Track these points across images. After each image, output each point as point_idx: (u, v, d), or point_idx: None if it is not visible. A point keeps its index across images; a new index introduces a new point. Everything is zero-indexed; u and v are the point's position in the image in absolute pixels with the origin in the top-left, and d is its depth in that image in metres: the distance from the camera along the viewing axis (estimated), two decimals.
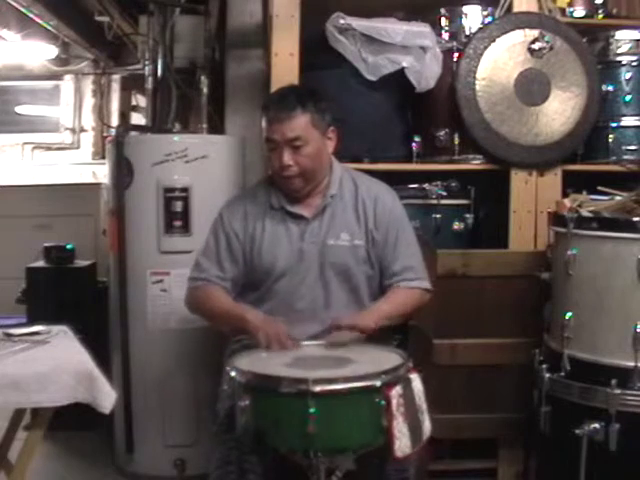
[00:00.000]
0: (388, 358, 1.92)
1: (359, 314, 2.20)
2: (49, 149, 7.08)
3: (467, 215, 3.04)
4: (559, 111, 2.96)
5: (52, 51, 5.83)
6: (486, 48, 2.94)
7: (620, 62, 3.00)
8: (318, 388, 1.70)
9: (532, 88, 2.94)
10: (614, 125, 3.00)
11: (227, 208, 2.41)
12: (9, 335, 2.35)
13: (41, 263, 3.91)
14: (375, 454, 1.87)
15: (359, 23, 2.93)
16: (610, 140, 3.00)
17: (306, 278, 2.28)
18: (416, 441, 1.77)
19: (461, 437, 2.86)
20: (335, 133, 2.32)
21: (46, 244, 3.93)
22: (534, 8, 3.03)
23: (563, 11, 3.07)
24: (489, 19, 3.07)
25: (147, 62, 3.94)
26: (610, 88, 2.99)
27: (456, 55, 2.99)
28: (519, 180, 3.02)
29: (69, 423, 2.99)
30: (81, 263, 3.96)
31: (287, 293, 2.28)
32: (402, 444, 1.73)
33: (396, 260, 2.33)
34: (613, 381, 2.26)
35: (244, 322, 2.16)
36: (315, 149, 2.25)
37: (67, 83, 7.12)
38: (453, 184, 3.04)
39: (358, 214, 2.33)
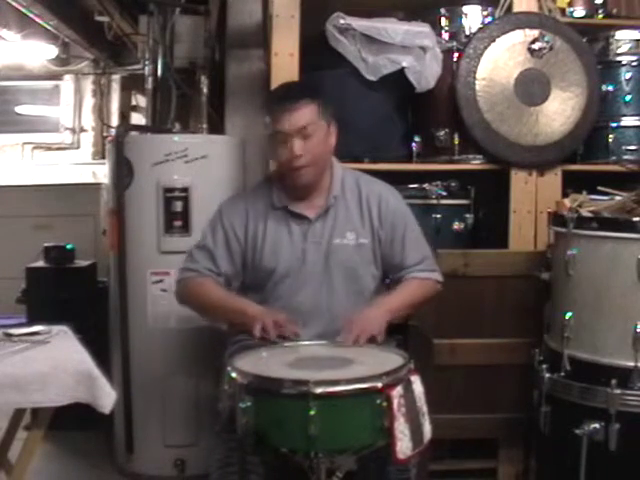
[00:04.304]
0: (389, 359, 1.92)
1: (369, 317, 2.16)
2: (49, 149, 7.08)
3: (467, 215, 3.04)
4: (559, 111, 2.96)
5: (52, 51, 5.83)
6: (486, 48, 2.94)
7: (620, 62, 3.00)
8: (319, 390, 1.70)
9: (532, 88, 2.94)
10: (614, 125, 3.00)
11: (228, 206, 2.40)
12: (9, 335, 2.34)
13: (41, 263, 3.90)
14: (377, 454, 1.87)
15: (359, 23, 2.93)
16: (610, 140, 3.00)
17: (309, 279, 2.28)
18: (417, 443, 1.77)
19: (461, 437, 2.86)
20: (335, 128, 2.32)
21: (46, 244, 3.93)
22: (534, 8, 3.03)
23: (563, 11, 3.07)
24: (489, 19, 3.07)
25: (147, 62, 3.94)
26: (610, 88, 2.99)
27: (456, 55, 2.99)
28: (519, 180, 3.02)
29: (69, 423, 2.99)
30: (81, 263, 3.96)
31: (290, 294, 2.27)
32: (404, 445, 1.72)
33: (407, 255, 2.34)
34: (613, 381, 2.26)
35: (244, 315, 2.15)
36: (322, 139, 2.25)
37: (67, 83, 7.12)
38: (453, 184, 3.04)
39: (362, 213, 2.33)
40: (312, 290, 2.28)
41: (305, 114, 2.21)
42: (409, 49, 2.94)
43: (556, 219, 2.57)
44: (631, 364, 2.27)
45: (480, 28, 3.01)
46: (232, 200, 2.46)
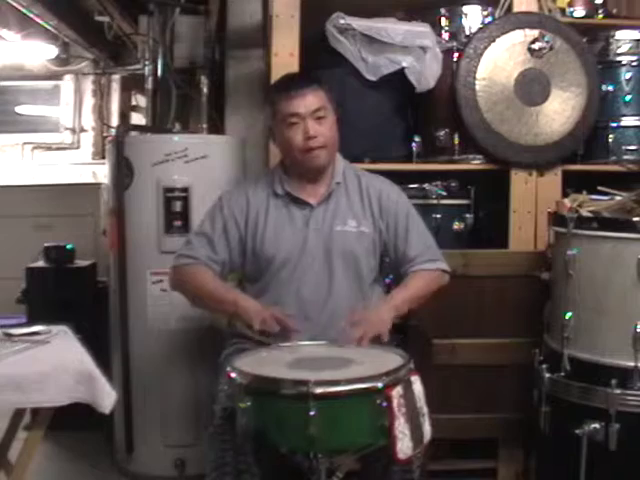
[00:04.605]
0: (389, 359, 1.92)
1: (376, 317, 2.16)
2: (49, 149, 7.08)
3: (467, 215, 3.03)
4: (559, 111, 2.96)
5: (52, 51, 5.83)
6: (486, 48, 2.94)
7: (620, 62, 3.00)
8: (319, 390, 1.70)
9: (532, 88, 2.94)
10: (614, 125, 3.00)
11: (228, 195, 2.42)
12: (9, 335, 2.34)
13: (41, 263, 3.90)
14: (381, 454, 1.87)
15: (359, 23, 2.93)
16: (610, 140, 3.00)
17: (310, 265, 2.28)
18: (417, 443, 1.76)
19: (461, 437, 2.86)
20: (338, 115, 2.37)
21: (46, 244, 3.93)
22: (534, 8, 3.03)
23: (563, 11, 3.07)
24: (489, 19, 3.07)
25: (147, 62, 3.94)
26: (610, 88, 2.99)
27: (456, 55, 2.99)
28: (519, 180, 3.02)
29: (69, 423, 2.98)
30: (81, 263, 3.96)
31: (291, 281, 2.28)
32: (404, 445, 1.72)
33: (410, 246, 2.34)
34: (613, 381, 2.26)
35: (236, 308, 2.16)
36: (333, 122, 2.31)
37: (67, 83, 7.11)
38: (453, 184, 3.04)
39: (363, 203, 2.36)
40: (313, 277, 2.28)
41: (317, 97, 2.27)
42: (409, 49, 2.94)
43: (556, 219, 2.58)
44: (631, 364, 2.27)
45: (480, 28, 3.01)
46: (233, 189, 2.49)
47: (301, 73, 2.52)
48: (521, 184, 3.02)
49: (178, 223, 3.07)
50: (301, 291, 2.28)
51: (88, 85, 7.08)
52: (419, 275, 2.32)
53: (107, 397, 2.13)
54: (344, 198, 2.35)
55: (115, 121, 6.82)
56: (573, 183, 2.92)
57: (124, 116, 6.82)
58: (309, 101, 2.25)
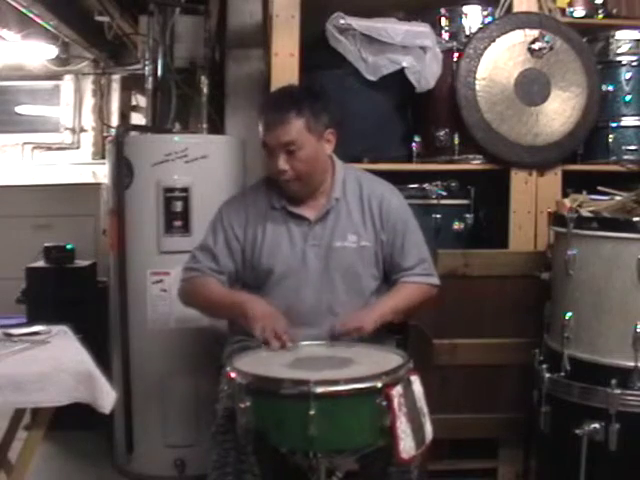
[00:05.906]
0: (389, 359, 1.92)
1: (361, 314, 2.19)
2: (49, 149, 7.07)
3: (467, 215, 3.04)
4: (559, 111, 2.96)
5: (52, 51, 5.83)
6: (486, 48, 2.94)
7: (620, 62, 3.01)
8: (319, 390, 1.70)
9: (532, 88, 2.94)
10: (614, 125, 3.00)
11: (227, 207, 2.40)
12: (9, 335, 2.35)
13: (41, 263, 3.91)
14: (380, 455, 1.86)
15: (359, 23, 2.93)
16: (610, 140, 3.00)
17: (309, 281, 2.27)
18: (419, 443, 1.77)
19: (461, 437, 2.86)
20: (334, 134, 2.30)
21: (46, 244, 3.94)
22: (534, 8, 3.03)
23: (563, 11, 3.07)
24: (489, 19, 3.07)
25: (147, 62, 3.94)
26: (610, 88, 3.00)
27: (456, 55, 2.99)
28: (519, 180, 3.02)
29: (69, 423, 2.99)
30: (81, 263, 3.96)
31: (290, 294, 2.27)
32: (406, 445, 1.72)
33: (404, 258, 2.33)
34: (613, 381, 2.26)
35: (243, 310, 2.14)
36: (310, 153, 2.22)
37: (67, 83, 7.11)
38: (453, 184, 3.04)
39: (364, 215, 2.33)
40: (312, 290, 2.27)
41: (290, 130, 2.18)
42: (409, 49, 2.94)
43: (556, 219, 2.57)
44: (631, 364, 2.27)
45: (480, 28, 3.01)
46: (232, 200, 2.46)
47: (285, 96, 2.30)
48: (521, 184, 3.02)
49: (178, 223, 3.07)
50: (300, 306, 2.26)
51: (88, 85, 7.08)
52: (408, 287, 2.32)
53: (107, 397, 2.13)
54: (344, 212, 2.32)
55: (115, 121, 6.82)
56: (573, 183, 2.92)
57: (124, 116, 6.82)
58: (280, 134, 2.18)
